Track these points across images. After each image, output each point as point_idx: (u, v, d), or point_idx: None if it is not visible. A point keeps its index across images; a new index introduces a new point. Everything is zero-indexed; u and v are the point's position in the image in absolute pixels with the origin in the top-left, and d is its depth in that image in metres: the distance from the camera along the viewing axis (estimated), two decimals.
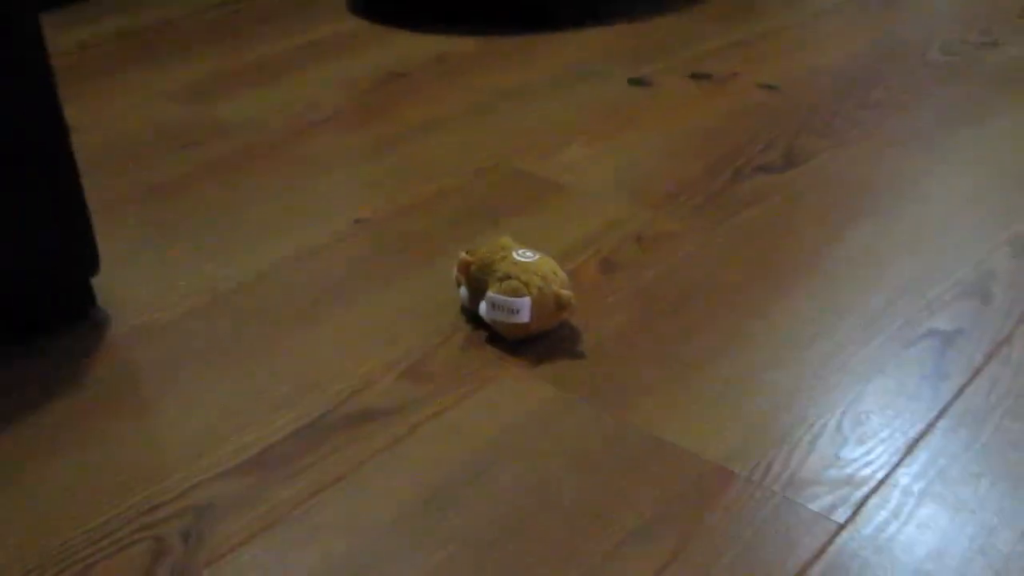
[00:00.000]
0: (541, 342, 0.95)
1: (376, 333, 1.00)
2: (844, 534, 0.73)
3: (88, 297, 1.07)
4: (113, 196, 1.31)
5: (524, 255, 0.94)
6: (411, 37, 1.77)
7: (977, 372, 0.89)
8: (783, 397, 0.87)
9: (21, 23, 0.90)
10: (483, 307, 0.95)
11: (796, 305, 1.01)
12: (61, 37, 1.92)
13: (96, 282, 1.10)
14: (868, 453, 0.80)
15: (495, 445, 0.83)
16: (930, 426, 0.83)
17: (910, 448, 0.81)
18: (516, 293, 0.92)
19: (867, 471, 0.78)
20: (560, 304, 0.93)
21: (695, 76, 1.55)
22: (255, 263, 1.14)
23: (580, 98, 1.50)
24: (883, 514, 0.74)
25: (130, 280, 1.12)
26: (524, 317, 0.92)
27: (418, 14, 1.85)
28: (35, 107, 0.94)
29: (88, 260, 1.03)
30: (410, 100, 1.53)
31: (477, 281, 0.96)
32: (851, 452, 0.80)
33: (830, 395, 0.87)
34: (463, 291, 0.99)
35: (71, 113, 1.57)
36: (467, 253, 0.98)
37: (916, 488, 0.76)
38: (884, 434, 0.82)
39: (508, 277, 0.93)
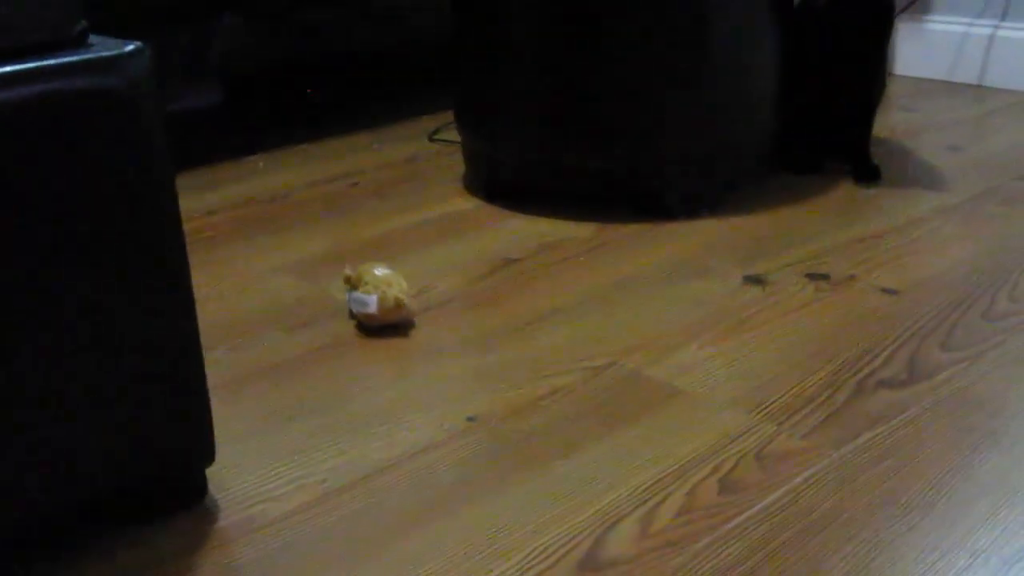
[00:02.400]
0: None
1: (487, 543, 0.97)
2: None
3: (201, 487, 1.07)
4: (228, 374, 1.32)
5: (381, 271, 1.39)
6: (526, 220, 1.79)
7: None
8: None
9: (161, 208, 0.92)
10: (351, 304, 1.40)
11: (923, 541, 0.96)
12: (188, 202, 1.98)
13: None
14: None
15: None
16: None
17: None
18: (368, 294, 1.38)
19: None
20: (397, 303, 1.37)
21: (812, 276, 1.53)
22: (366, 458, 1.13)
23: (694, 295, 1.49)
24: None
25: (240, 465, 1.12)
26: (372, 309, 1.37)
27: (533, 197, 1.87)
28: (168, 302, 0.95)
29: (204, 452, 1.03)
30: (523, 288, 1.53)
31: (354, 289, 1.41)
32: None
33: None
34: (347, 295, 1.43)
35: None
36: (349, 270, 1.43)
37: None
38: None
39: (366, 284, 1.38)
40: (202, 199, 2.01)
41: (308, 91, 2.21)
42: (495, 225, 1.79)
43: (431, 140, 2.24)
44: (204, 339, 1.42)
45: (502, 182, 1.89)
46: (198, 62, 2.18)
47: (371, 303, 1.36)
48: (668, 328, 1.39)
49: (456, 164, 2.09)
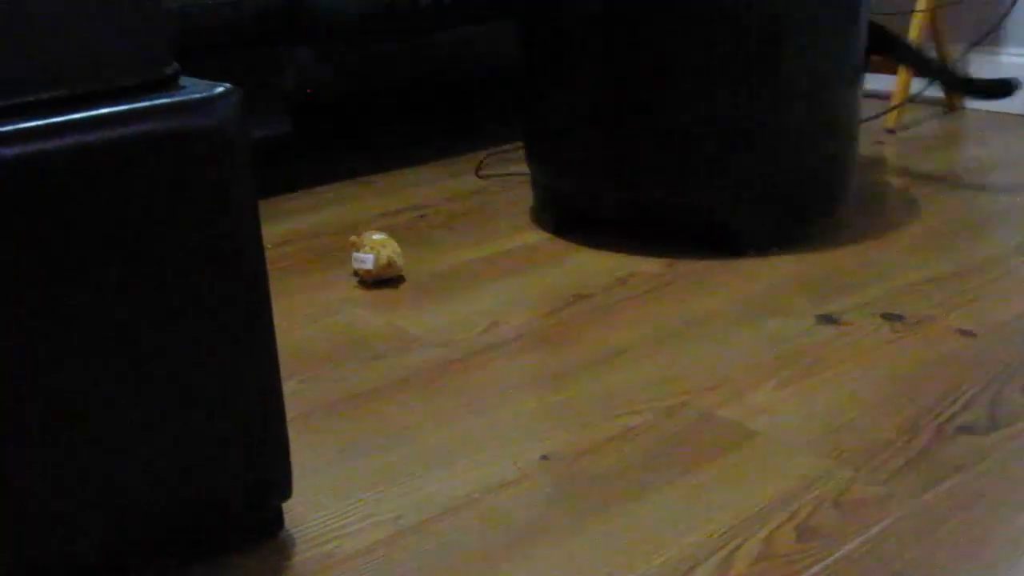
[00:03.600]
0: None
1: None
2: None
3: (277, 521, 1.07)
4: (301, 407, 1.33)
5: (378, 236, 1.72)
6: (595, 255, 1.79)
7: None
8: None
9: (246, 246, 0.93)
10: (354, 262, 1.72)
11: None
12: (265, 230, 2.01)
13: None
14: None
15: None
16: None
17: None
18: (364, 252, 1.70)
19: None
20: (389, 262, 1.69)
21: (887, 316, 1.51)
22: (439, 495, 1.13)
23: (768, 333, 1.47)
24: None
25: (314, 500, 1.13)
26: (368, 265, 1.69)
27: (602, 231, 1.87)
28: (249, 338, 0.96)
29: (282, 487, 1.04)
30: (593, 324, 1.53)
31: (357, 250, 1.72)
32: None
33: None
34: (352, 255, 1.73)
35: None
36: (354, 236, 1.75)
37: None
38: None
39: (364, 246, 1.71)
40: (274, 229, 2.03)
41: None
42: (564, 259, 1.79)
43: (477, 176, 2.26)
44: (285, 369, 1.43)
45: (570, 215, 1.89)
46: (269, 93, 2.21)
47: (368, 260, 1.69)
48: (741, 368, 1.38)
49: (524, 196, 2.10)
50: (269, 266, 1.84)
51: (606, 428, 1.25)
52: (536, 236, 1.90)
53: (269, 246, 1.94)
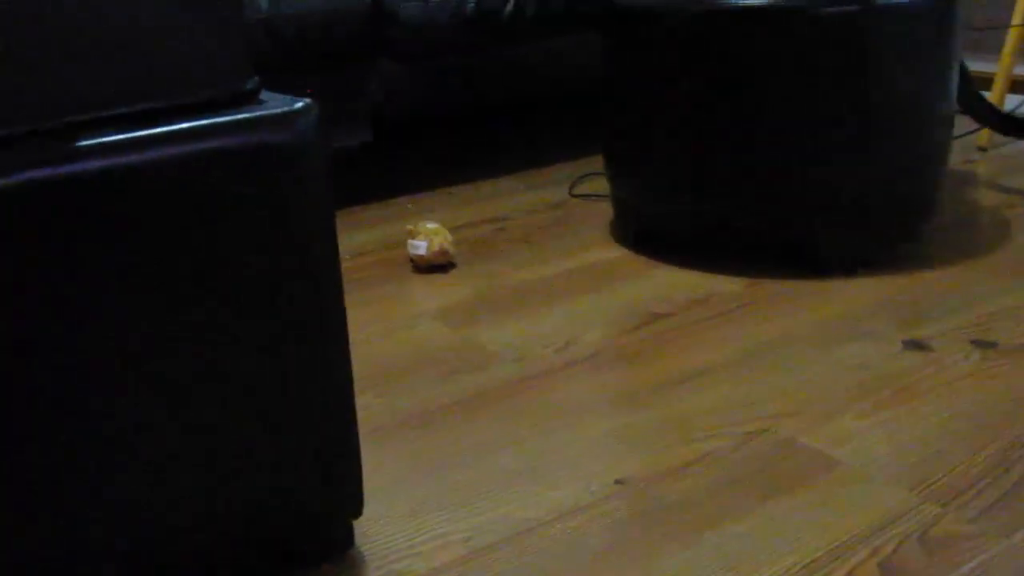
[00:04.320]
0: None
1: None
2: None
3: (348, 539, 1.06)
4: (375, 422, 1.32)
5: (432, 224, 1.83)
6: (675, 273, 1.76)
7: None
8: None
9: (324, 261, 0.93)
10: (409, 248, 1.83)
11: None
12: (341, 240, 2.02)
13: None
14: None
15: None
16: None
17: None
18: (419, 240, 1.82)
19: None
20: (441, 249, 1.80)
21: (978, 343, 1.46)
22: (512, 516, 1.11)
23: (852, 358, 1.43)
24: None
25: (386, 517, 1.12)
26: (422, 251, 1.81)
27: (681, 248, 1.84)
28: (325, 354, 0.96)
29: (353, 504, 1.03)
30: (672, 345, 1.50)
31: (413, 238, 1.84)
32: None
33: None
34: (408, 243, 1.85)
35: None
36: (411, 225, 1.87)
37: None
38: None
39: (420, 234, 1.82)
40: (352, 240, 2.04)
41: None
42: (642, 276, 1.76)
43: (571, 195, 2.23)
44: (356, 383, 1.43)
45: (649, 231, 1.86)
46: (351, 103, 2.22)
47: (422, 247, 1.80)
48: (823, 394, 1.34)
49: (603, 211, 2.08)
50: (344, 278, 1.84)
51: (683, 453, 1.22)
52: (615, 252, 1.88)
53: (346, 257, 1.94)
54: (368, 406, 1.37)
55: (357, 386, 1.43)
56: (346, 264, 1.91)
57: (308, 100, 0.91)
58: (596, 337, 1.54)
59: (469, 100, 2.41)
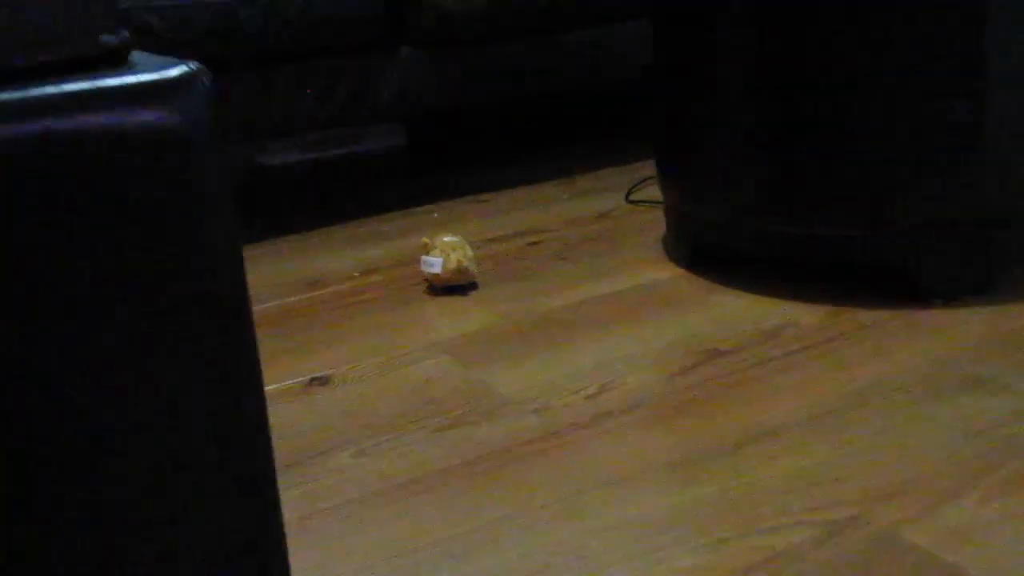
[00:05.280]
0: None
1: None
2: None
3: None
4: (349, 489, 1.04)
5: (449, 238, 1.53)
6: (737, 298, 1.45)
7: None
8: None
9: (219, 289, 0.64)
10: (423, 265, 1.53)
11: None
12: (346, 259, 1.74)
13: None
14: None
15: None
16: None
17: None
18: (434, 256, 1.52)
19: None
20: (459, 266, 1.50)
21: None
22: None
23: (965, 416, 1.11)
24: None
25: None
26: (436, 269, 1.51)
27: (748, 269, 1.53)
28: (224, 403, 0.67)
29: None
30: (733, 392, 1.19)
31: (428, 253, 1.53)
32: None
33: None
34: (422, 259, 1.54)
35: (313, 364, 1.34)
36: (426, 238, 1.55)
37: None
38: None
39: (435, 248, 1.52)
40: (363, 254, 1.76)
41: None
42: (699, 302, 1.45)
43: (628, 201, 1.93)
44: (330, 437, 1.15)
45: (710, 249, 1.56)
46: (370, 100, 1.95)
47: (436, 265, 1.51)
48: (930, 466, 1.02)
49: (656, 223, 1.77)
50: (347, 299, 1.56)
51: (747, 548, 0.91)
52: (667, 272, 1.57)
53: (354, 275, 1.67)
54: (344, 469, 1.08)
55: (335, 440, 1.14)
56: (351, 283, 1.63)
57: (196, 65, 0.62)
58: (638, 381, 1.23)
59: (507, 95, 2.12)
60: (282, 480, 1.07)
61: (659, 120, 1.59)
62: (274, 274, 1.70)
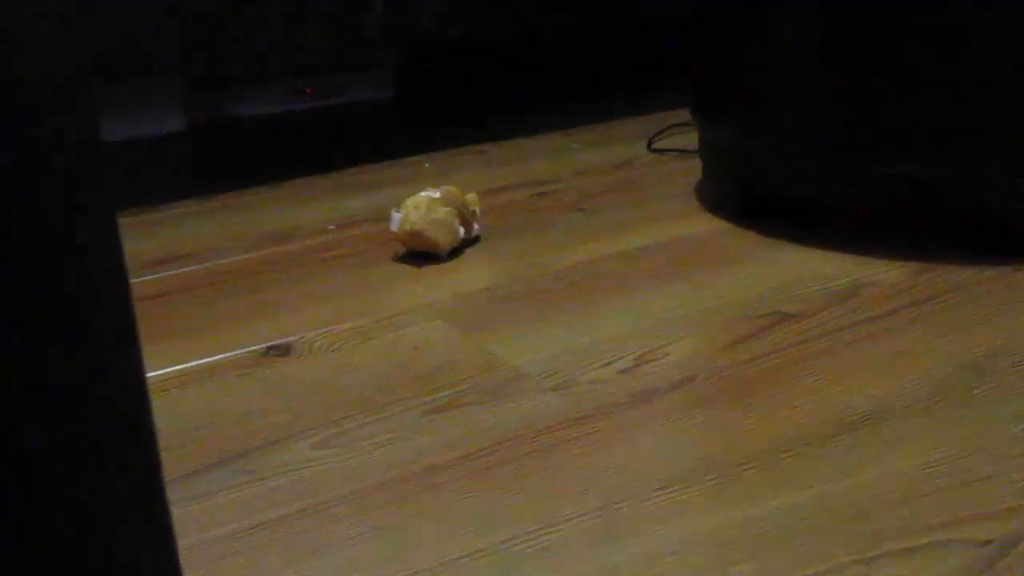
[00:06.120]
0: None
1: None
2: None
3: None
4: (302, 489, 0.76)
5: (425, 194, 1.23)
6: (802, 254, 1.18)
7: None
8: None
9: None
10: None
11: None
12: (322, 210, 1.47)
13: None
14: None
15: None
16: None
17: None
18: (397, 211, 1.23)
19: None
20: (413, 230, 1.20)
21: None
22: None
23: None
24: None
25: None
26: (393, 227, 1.23)
27: (808, 218, 1.26)
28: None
29: None
30: (812, 365, 0.92)
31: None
32: None
33: None
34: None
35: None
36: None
37: None
38: None
39: (405, 203, 1.23)
40: (340, 206, 1.48)
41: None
42: (752, 258, 1.18)
43: (651, 150, 1.66)
44: (286, 421, 0.89)
45: (761, 195, 1.28)
46: (354, 36, 1.67)
47: (393, 222, 1.24)
48: None
49: (686, 173, 1.50)
50: (318, 255, 1.29)
51: None
52: (706, 224, 1.30)
53: (330, 227, 1.39)
54: (298, 464, 0.81)
55: (289, 427, 0.87)
56: (325, 237, 1.35)
57: None
58: (684, 351, 0.96)
59: (503, 32, 1.83)
60: (218, 478, 0.80)
61: (698, 38, 1.32)
62: (233, 227, 1.42)
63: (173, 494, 0.68)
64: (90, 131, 0.39)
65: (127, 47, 1.75)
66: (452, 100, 2.19)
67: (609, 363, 0.94)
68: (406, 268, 1.22)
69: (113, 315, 0.41)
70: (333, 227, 1.40)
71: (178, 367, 0.98)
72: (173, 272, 1.24)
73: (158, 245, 1.35)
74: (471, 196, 1.29)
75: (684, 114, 1.49)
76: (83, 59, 0.39)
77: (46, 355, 0.38)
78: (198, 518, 0.75)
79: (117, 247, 0.41)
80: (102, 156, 0.40)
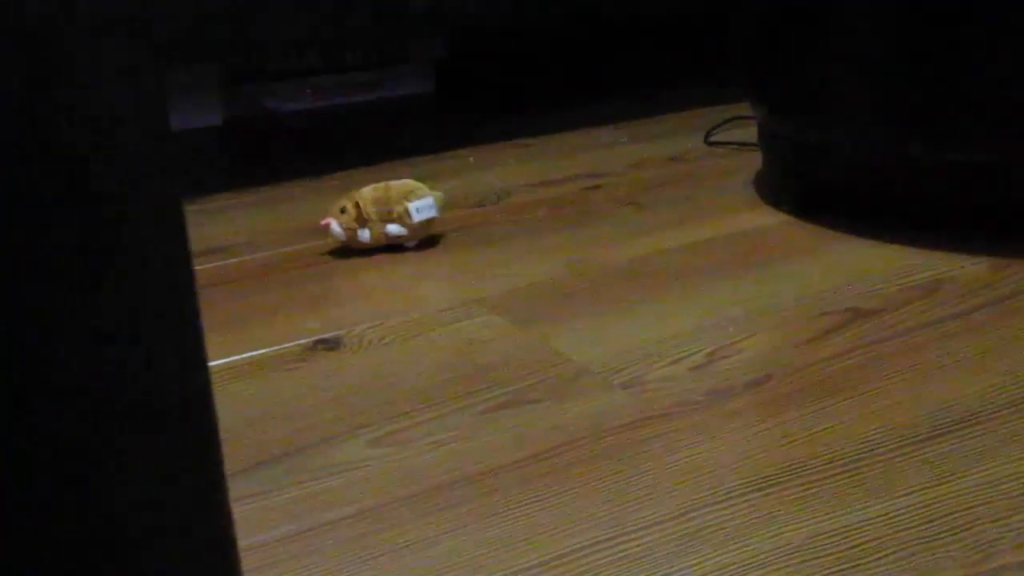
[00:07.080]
0: None
1: None
2: None
3: None
4: (362, 489, 0.72)
5: (368, 189, 1.16)
6: (873, 248, 1.13)
7: None
8: None
9: None
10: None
11: None
12: None
13: None
14: None
15: None
16: None
17: None
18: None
19: None
20: (348, 232, 1.15)
21: None
22: None
23: None
24: None
25: None
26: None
27: (875, 211, 1.20)
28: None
29: None
30: (895, 363, 0.87)
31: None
32: None
33: None
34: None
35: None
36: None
37: None
38: None
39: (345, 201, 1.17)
40: None
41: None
42: (821, 252, 1.13)
43: (708, 143, 1.60)
44: (339, 418, 0.84)
45: (826, 186, 1.23)
46: (394, 27, 1.63)
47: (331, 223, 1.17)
48: None
49: (744, 167, 1.44)
50: (368, 253, 1.24)
51: None
52: (768, 217, 1.24)
53: None
54: (353, 464, 0.76)
55: (342, 425, 0.82)
56: None
57: None
58: (759, 348, 0.91)
59: (553, 22, 1.78)
60: (269, 477, 0.75)
61: (766, 32, 1.26)
62: (277, 219, 1.38)
63: None
64: (158, 116, 0.35)
65: (164, 40, 1.71)
66: (493, 94, 2.14)
67: (679, 360, 0.89)
68: (455, 261, 1.17)
69: (177, 305, 0.36)
70: None
71: (221, 361, 0.94)
72: (210, 265, 1.20)
73: (195, 238, 1.30)
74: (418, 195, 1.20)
75: (740, 108, 1.43)
76: (149, 42, 0.34)
77: (109, 355, 0.33)
78: (247, 520, 0.70)
79: (182, 232, 0.36)
80: (168, 140, 0.35)
